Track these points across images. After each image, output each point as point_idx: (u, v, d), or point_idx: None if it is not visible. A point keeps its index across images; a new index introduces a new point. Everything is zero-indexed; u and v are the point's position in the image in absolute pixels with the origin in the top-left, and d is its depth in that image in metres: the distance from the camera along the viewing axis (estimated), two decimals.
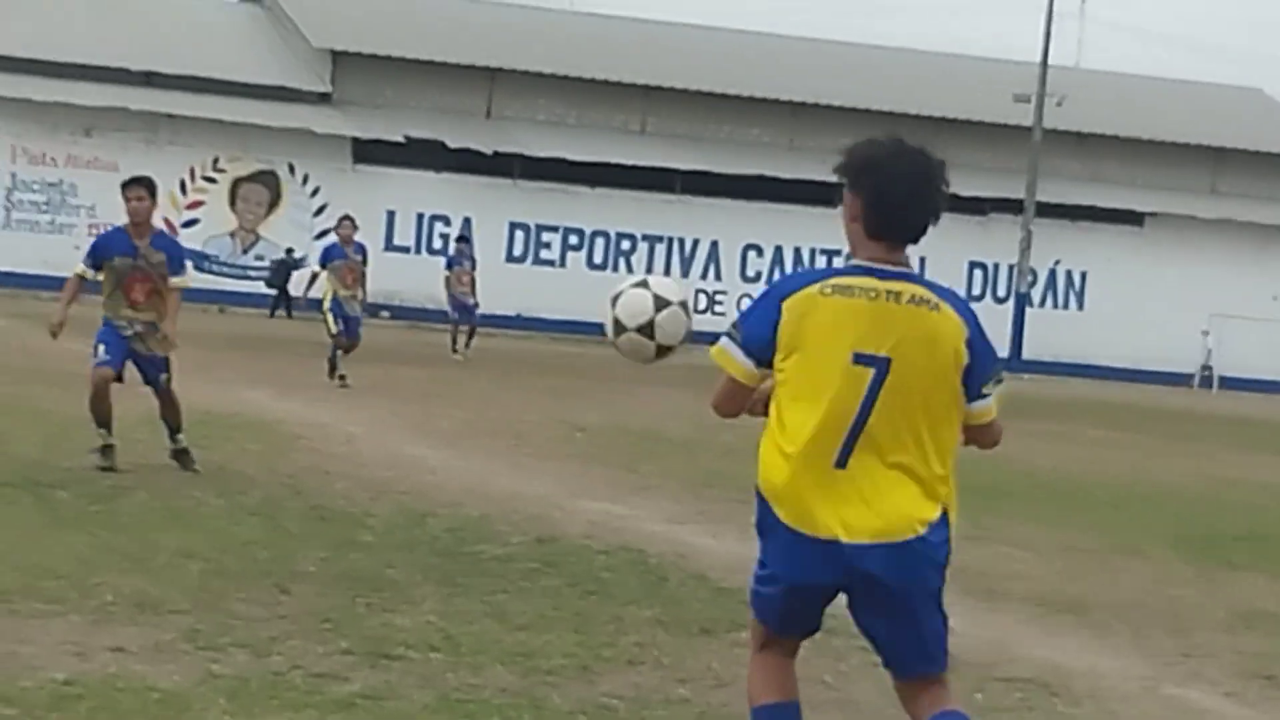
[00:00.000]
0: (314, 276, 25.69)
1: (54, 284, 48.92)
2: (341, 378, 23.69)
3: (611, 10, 62.98)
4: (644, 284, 6.31)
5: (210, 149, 51.83)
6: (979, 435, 5.88)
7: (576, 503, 13.89)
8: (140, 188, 13.84)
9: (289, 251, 49.74)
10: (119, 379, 13.61)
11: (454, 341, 33.50)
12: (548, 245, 54.93)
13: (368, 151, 52.81)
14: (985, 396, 5.76)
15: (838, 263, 6.11)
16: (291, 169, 52.71)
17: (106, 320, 13.71)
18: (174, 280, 13.80)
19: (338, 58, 54.74)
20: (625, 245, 55.23)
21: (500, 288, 37.15)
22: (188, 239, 51.14)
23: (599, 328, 6.41)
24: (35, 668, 7.33)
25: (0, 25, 51.95)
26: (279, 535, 11.06)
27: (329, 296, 24.56)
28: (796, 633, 5.87)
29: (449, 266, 34.88)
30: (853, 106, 53.78)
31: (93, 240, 14.76)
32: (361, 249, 25.15)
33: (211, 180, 52.12)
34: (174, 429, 13.88)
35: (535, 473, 15.88)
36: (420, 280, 47.24)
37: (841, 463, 5.59)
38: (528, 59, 55.58)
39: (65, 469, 13.26)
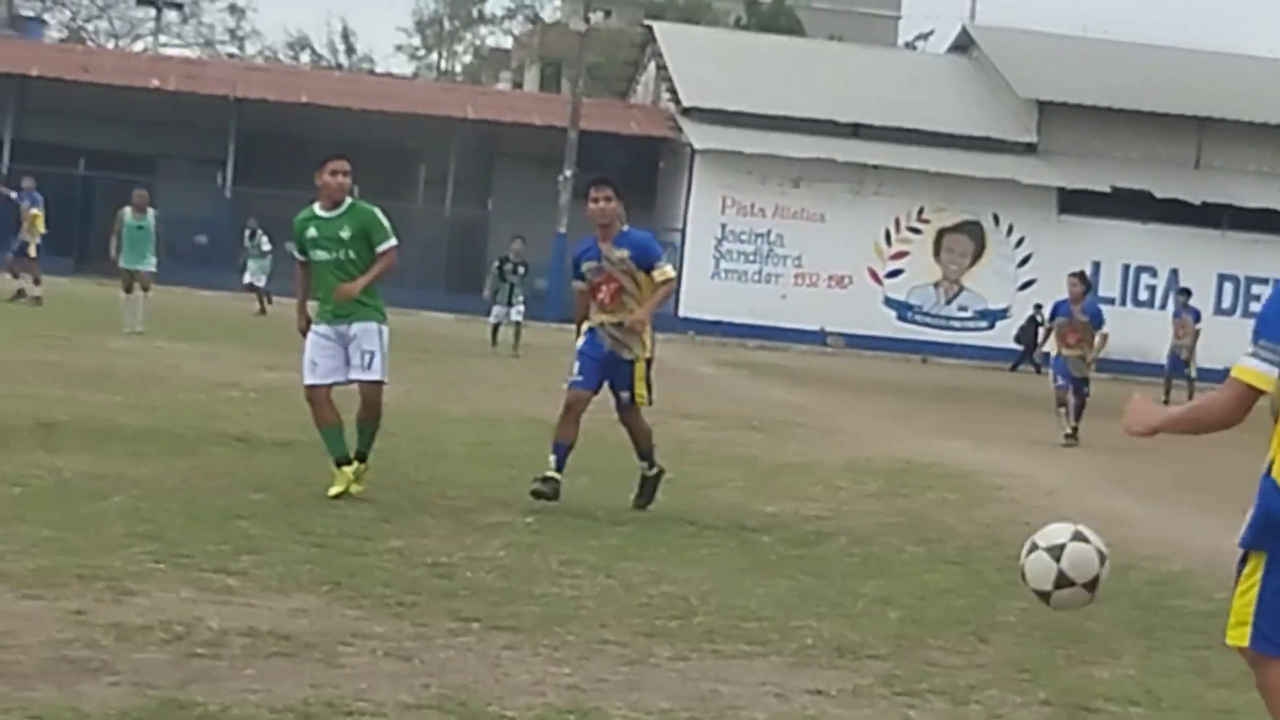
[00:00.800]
0: (1047, 333, 25.01)
1: (760, 333, 50.59)
2: (1069, 435, 22.95)
3: None
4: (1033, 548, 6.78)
5: (915, 199, 52.27)
6: None
7: None
8: (606, 187, 12.97)
9: (1037, 308, 49.57)
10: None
11: (1166, 394, 32.77)
12: (1257, 298, 53.19)
13: (1073, 202, 52.34)
14: None
15: None
16: (996, 219, 52.67)
17: (589, 330, 13.02)
18: (654, 273, 12.92)
19: (1044, 108, 54.49)
20: None
21: (1205, 340, 36.19)
22: (892, 289, 51.94)
23: None
24: (736, 707, 7.43)
25: (714, 81, 53.79)
26: (977, 584, 10.97)
27: (1054, 353, 24.04)
28: None
29: (1176, 316, 34.19)
30: None
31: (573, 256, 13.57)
32: (1090, 308, 23.92)
33: (916, 230, 52.54)
34: (641, 453, 13.20)
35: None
36: (1126, 332, 46.35)
37: None
38: (1238, 108, 54.16)
39: (768, 513, 13.49)
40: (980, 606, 10.16)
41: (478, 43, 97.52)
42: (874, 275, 52.32)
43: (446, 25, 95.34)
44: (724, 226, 51.88)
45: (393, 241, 12.71)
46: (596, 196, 12.94)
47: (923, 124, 53.47)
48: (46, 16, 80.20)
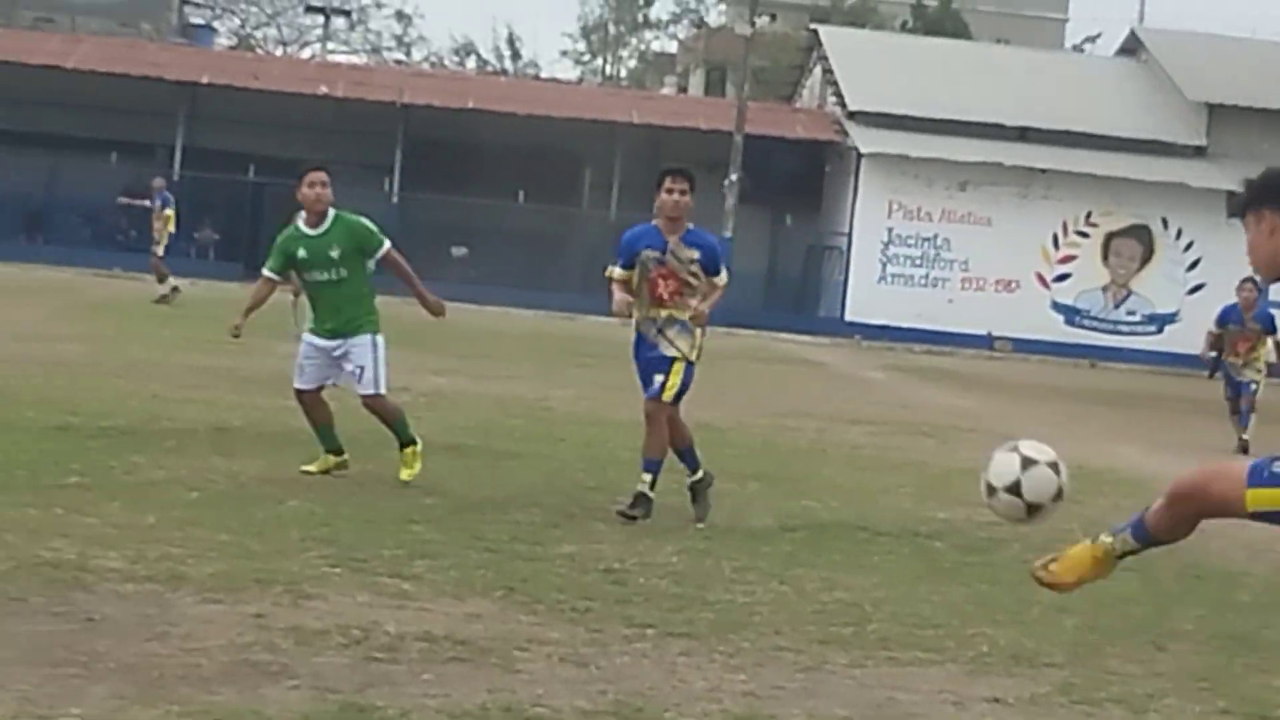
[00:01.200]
0: (1217, 339, 24.23)
1: (927, 337, 50.18)
2: (1243, 442, 22.57)
3: None
4: (1014, 449, 6.51)
5: (1083, 203, 51.78)
6: None
7: None
8: (683, 179, 12.49)
9: None
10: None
11: None
12: None
13: None
14: None
15: None
16: (1165, 223, 52.07)
17: (638, 331, 12.56)
18: (714, 279, 12.58)
19: (1214, 110, 53.80)
20: None
21: None
22: (1059, 293, 51.47)
23: None
24: (914, 715, 7.40)
25: (880, 84, 53.60)
26: (1154, 592, 10.85)
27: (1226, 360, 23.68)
28: None
29: None
30: None
31: (621, 239, 12.91)
32: (1262, 314, 23.49)
33: (1084, 235, 52.04)
34: (679, 454, 12.55)
35: None
36: None
37: None
38: None
39: (941, 519, 13.42)
40: (1157, 614, 10.06)
41: (643, 48, 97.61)
42: (1041, 279, 51.87)
43: (612, 30, 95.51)
44: (890, 230, 51.64)
45: (388, 244, 13.10)
46: (672, 188, 12.43)
47: (1091, 127, 52.97)
48: (216, 24, 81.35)
